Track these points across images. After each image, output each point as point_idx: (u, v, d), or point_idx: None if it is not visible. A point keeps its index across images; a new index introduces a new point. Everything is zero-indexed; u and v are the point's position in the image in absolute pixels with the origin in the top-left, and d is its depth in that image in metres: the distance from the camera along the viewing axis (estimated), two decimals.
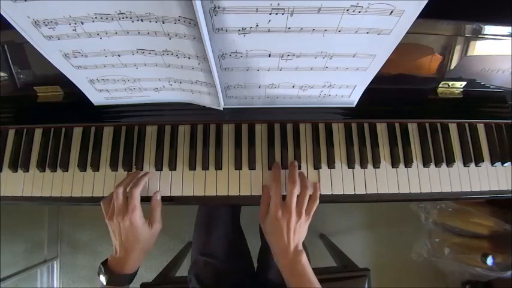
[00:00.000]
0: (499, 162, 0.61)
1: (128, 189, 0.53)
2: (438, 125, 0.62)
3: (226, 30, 0.40)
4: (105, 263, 0.53)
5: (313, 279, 0.51)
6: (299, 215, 0.53)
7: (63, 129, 0.63)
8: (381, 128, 0.62)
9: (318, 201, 0.55)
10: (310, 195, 0.55)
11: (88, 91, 0.55)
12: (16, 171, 0.61)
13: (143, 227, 0.53)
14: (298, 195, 0.54)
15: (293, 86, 0.53)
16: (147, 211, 0.55)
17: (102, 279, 0.52)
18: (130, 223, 0.51)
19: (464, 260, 1.19)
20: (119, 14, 0.39)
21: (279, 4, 0.36)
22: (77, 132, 0.62)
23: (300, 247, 0.53)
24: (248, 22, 0.39)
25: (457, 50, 0.55)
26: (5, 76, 0.59)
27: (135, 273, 0.55)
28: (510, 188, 0.60)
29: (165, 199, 0.59)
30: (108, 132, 0.62)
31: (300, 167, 0.59)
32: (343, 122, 0.62)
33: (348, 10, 0.37)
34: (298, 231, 0.53)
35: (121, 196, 0.52)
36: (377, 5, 0.37)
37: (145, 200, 0.57)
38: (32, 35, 0.42)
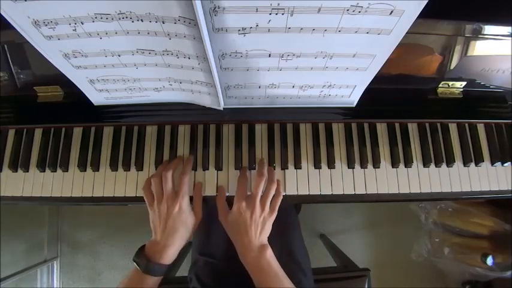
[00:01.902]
0: (499, 162, 0.61)
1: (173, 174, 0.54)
2: (438, 125, 0.62)
3: (226, 30, 0.40)
4: (142, 249, 0.53)
5: (281, 274, 0.50)
6: (263, 208, 0.52)
7: (63, 129, 0.63)
8: (381, 128, 0.62)
9: (281, 196, 0.55)
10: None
11: (88, 91, 0.55)
12: (16, 171, 0.61)
13: (189, 215, 0.54)
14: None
15: (293, 86, 0.53)
16: None
17: (140, 266, 0.51)
18: (179, 208, 0.52)
19: (464, 260, 1.19)
20: (119, 14, 0.39)
21: (279, 4, 0.36)
22: (77, 132, 0.62)
23: (265, 242, 0.52)
24: (248, 22, 0.39)
25: (457, 50, 0.55)
26: (5, 76, 0.59)
27: (168, 266, 0.54)
28: (510, 188, 0.60)
29: None
30: (108, 132, 0.62)
31: (300, 167, 0.59)
32: (343, 122, 0.62)
33: (348, 10, 0.37)
34: (262, 226, 0.52)
35: (170, 181, 0.53)
36: (377, 5, 0.37)
37: None
38: (32, 35, 0.42)
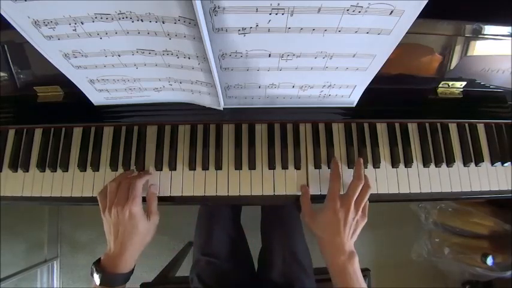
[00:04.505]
0: (499, 162, 0.61)
1: (130, 180, 0.53)
2: (438, 125, 0.62)
3: (226, 30, 0.40)
4: (98, 263, 0.52)
5: (364, 285, 0.50)
6: (357, 210, 0.51)
7: (63, 129, 0.63)
8: (381, 128, 0.62)
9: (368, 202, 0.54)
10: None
11: (88, 91, 0.55)
12: (16, 171, 0.61)
13: (141, 219, 0.51)
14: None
15: (293, 86, 0.53)
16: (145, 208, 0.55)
17: (96, 279, 0.50)
18: (129, 213, 0.50)
19: (464, 260, 1.19)
20: (119, 14, 0.39)
21: (279, 4, 0.36)
22: (77, 132, 0.62)
23: (353, 248, 0.51)
24: (248, 22, 0.39)
25: (457, 50, 0.55)
26: (5, 76, 0.59)
27: (130, 273, 0.53)
28: (510, 188, 0.60)
29: (165, 199, 0.59)
30: (108, 132, 0.62)
31: (299, 167, 0.59)
32: (343, 122, 0.62)
33: (348, 10, 0.37)
34: (355, 229, 0.51)
35: (123, 186, 0.51)
36: (377, 5, 0.37)
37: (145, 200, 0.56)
38: (32, 35, 0.42)
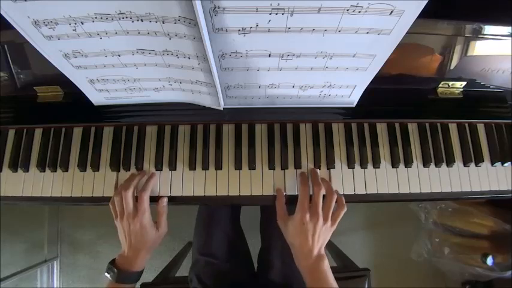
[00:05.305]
0: (499, 162, 0.61)
1: (136, 193, 0.56)
2: (438, 125, 0.62)
3: (226, 30, 0.40)
4: (113, 262, 0.56)
5: (335, 285, 0.51)
6: (326, 219, 0.53)
7: (63, 129, 0.63)
8: (381, 128, 0.62)
9: (345, 209, 0.55)
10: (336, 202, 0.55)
11: (88, 91, 0.55)
12: (16, 171, 0.61)
13: (151, 229, 0.55)
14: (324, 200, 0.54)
15: (293, 86, 0.53)
16: (153, 212, 0.57)
17: (111, 277, 0.54)
18: (140, 225, 0.54)
19: (464, 260, 1.19)
20: (119, 14, 0.39)
21: (279, 4, 0.36)
22: (77, 132, 0.62)
23: (322, 251, 0.53)
24: (248, 22, 0.39)
25: (457, 50, 0.55)
26: (5, 76, 0.59)
27: (142, 271, 0.57)
28: (510, 188, 0.60)
29: None
30: (108, 132, 0.62)
31: (300, 167, 0.59)
32: (343, 122, 0.62)
33: (348, 10, 0.37)
34: (323, 235, 0.53)
35: (130, 200, 0.54)
36: (377, 5, 0.37)
37: (151, 200, 0.57)
38: (32, 35, 0.42)
